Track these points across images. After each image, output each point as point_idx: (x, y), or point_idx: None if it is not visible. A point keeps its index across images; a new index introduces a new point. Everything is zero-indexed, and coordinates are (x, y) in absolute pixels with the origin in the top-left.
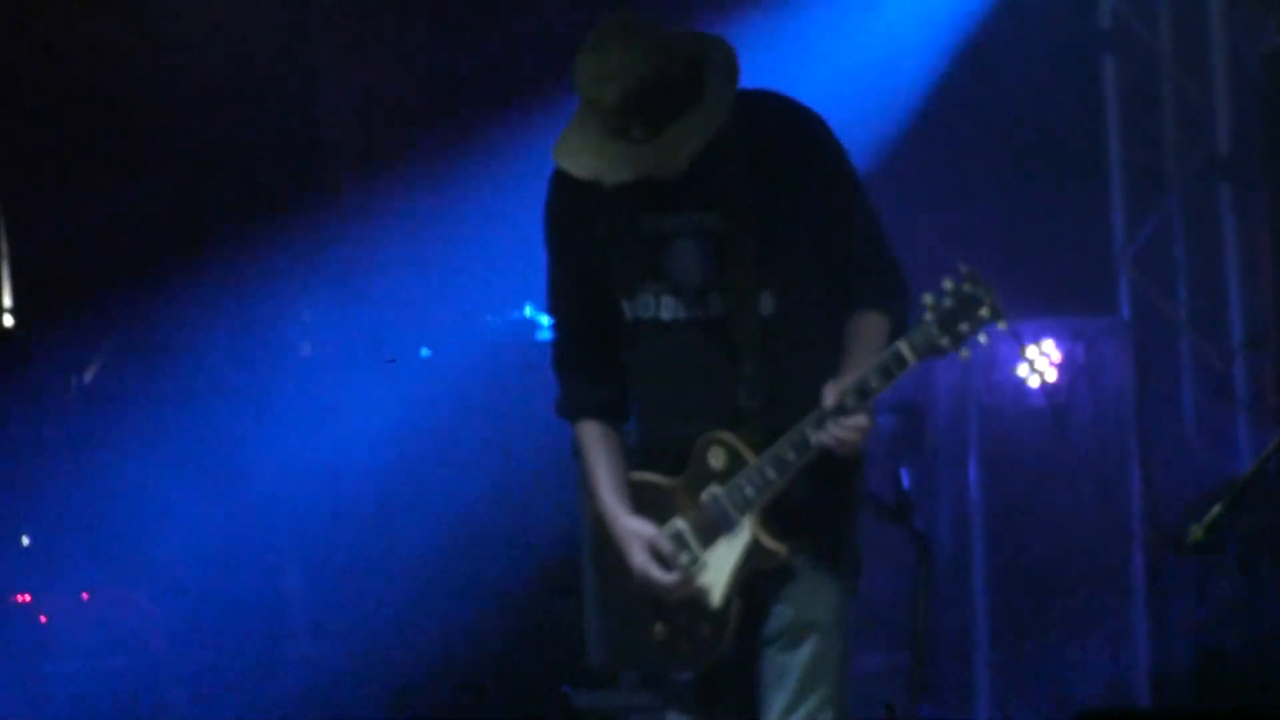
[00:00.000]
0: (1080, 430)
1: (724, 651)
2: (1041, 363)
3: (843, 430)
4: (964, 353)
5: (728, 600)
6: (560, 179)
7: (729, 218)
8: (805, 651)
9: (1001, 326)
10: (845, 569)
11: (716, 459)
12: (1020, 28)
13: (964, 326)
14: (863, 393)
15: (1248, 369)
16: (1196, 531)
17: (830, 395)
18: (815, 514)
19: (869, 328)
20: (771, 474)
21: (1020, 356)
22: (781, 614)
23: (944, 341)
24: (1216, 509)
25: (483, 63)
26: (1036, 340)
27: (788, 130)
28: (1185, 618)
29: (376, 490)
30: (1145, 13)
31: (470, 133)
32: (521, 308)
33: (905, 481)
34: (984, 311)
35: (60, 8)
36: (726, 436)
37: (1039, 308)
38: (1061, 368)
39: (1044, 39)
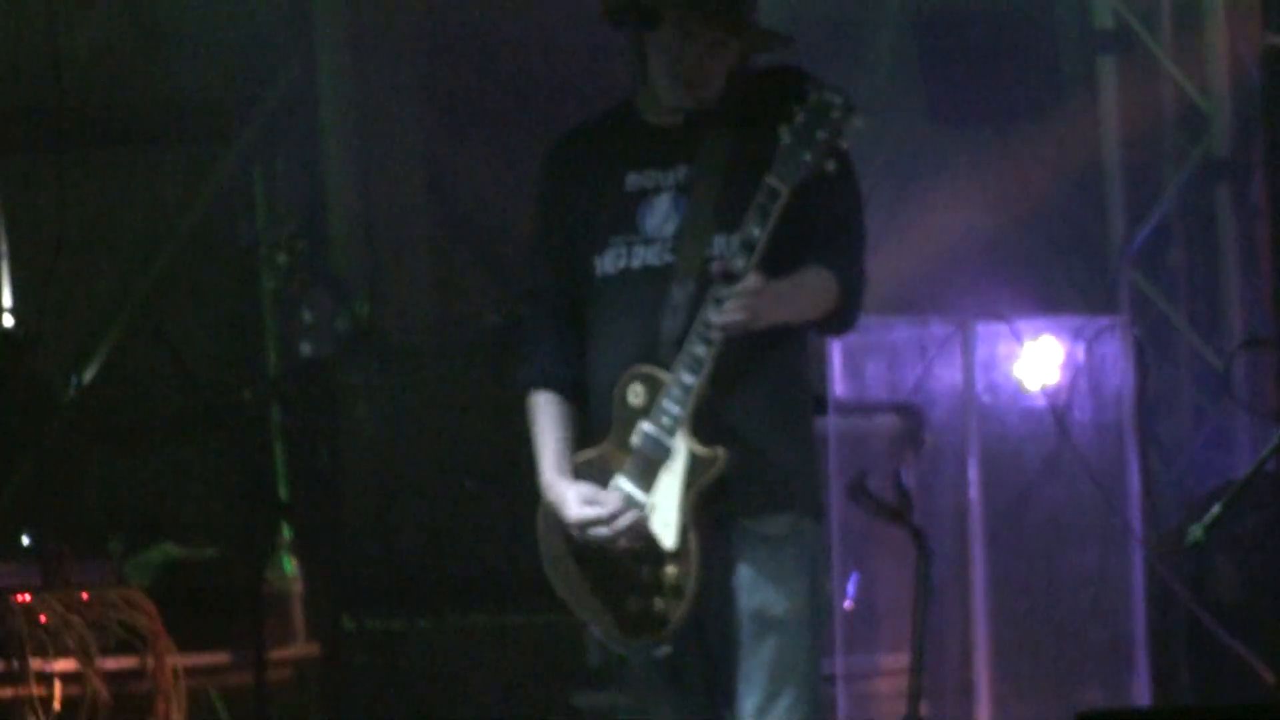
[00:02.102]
0: (1080, 430)
1: (696, 591)
2: (1041, 362)
3: (741, 297)
4: (829, 164)
5: (684, 532)
6: (555, 149)
7: (702, 166)
8: (770, 650)
9: (857, 124)
10: (812, 544)
11: (636, 396)
12: (1019, 27)
13: (821, 134)
14: (748, 246)
15: (1248, 369)
16: (1196, 531)
17: (716, 265)
18: (758, 431)
19: (812, 272)
20: (688, 379)
21: (1020, 356)
22: (743, 610)
23: (807, 156)
24: (1216, 509)
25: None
26: (1036, 340)
27: (785, 90)
28: (1185, 618)
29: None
30: (1145, 13)
31: None
32: None
33: (905, 481)
34: (835, 114)
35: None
36: (642, 369)
37: (1039, 308)
38: (1062, 368)
39: (1044, 39)
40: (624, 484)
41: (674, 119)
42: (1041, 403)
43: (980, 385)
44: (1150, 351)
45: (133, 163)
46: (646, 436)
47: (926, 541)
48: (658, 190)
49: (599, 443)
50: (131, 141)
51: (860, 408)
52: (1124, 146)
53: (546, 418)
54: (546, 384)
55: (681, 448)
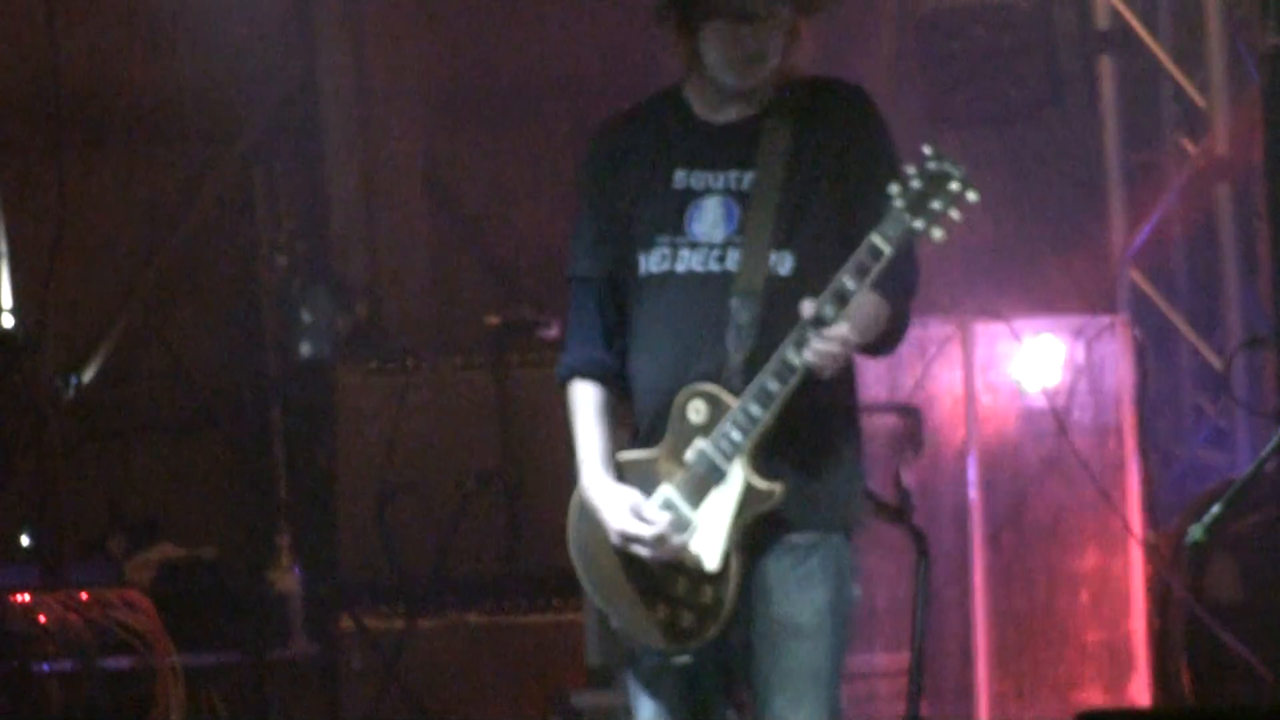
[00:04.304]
0: (1080, 430)
1: (729, 615)
2: (1041, 362)
3: (824, 343)
4: (937, 233)
5: (726, 557)
6: (603, 133)
7: (761, 176)
8: (794, 657)
9: (972, 197)
10: (838, 554)
11: (697, 413)
12: (1019, 28)
13: (936, 205)
14: (840, 297)
15: (1247, 369)
16: (1196, 531)
17: (807, 307)
18: (808, 454)
19: (874, 303)
20: (756, 410)
21: (1020, 356)
22: (767, 616)
23: (918, 224)
24: (1216, 509)
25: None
26: (1036, 340)
27: (843, 106)
28: (1185, 618)
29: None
30: (1145, 13)
31: None
32: None
33: (905, 482)
34: (954, 186)
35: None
36: (705, 387)
37: (1039, 308)
38: (1061, 368)
39: (1044, 39)
40: (672, 495)
41: (726, 116)
42: (1041, 403)
43: (980, 385)
44: (1150, 351)
45: (133, 163)
46: (703, 455)
47: (926, 542)
48: (707, 192)
49: (646, 443)
50: (131, 141)
51: (860, 408)
52: (1124, 146)
53: (588, 410)
54: (589, 373)
55: (738, 475)
